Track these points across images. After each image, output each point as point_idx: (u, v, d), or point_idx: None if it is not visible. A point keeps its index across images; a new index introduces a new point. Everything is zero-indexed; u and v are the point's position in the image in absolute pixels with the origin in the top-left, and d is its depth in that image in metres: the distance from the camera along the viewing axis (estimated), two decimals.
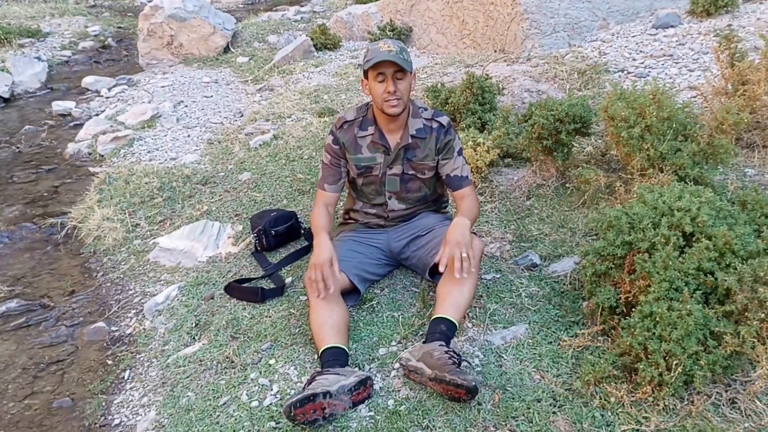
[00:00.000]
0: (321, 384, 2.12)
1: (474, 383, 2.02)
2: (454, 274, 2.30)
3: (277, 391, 2.29)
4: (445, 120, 2.70)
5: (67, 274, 3.57)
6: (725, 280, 2.01)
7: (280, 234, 3.27)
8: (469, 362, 2.27)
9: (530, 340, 2.36)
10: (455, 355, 2.17)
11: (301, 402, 2.04)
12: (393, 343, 2.45)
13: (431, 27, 6.61)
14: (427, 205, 2.88)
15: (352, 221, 2.95)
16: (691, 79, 4.25)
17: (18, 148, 5.57)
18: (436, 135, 2.68)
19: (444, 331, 2.27)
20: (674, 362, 1.91)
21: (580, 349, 2.26)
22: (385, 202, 2.80)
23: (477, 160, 3.42)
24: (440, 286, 2.45)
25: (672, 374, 1.91)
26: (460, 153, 2.72)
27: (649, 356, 1.96)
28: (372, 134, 2.68)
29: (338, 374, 2.17)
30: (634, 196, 2.63)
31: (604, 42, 5.19)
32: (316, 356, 2.39)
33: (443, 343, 2.22)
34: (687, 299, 1.97)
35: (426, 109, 2.72)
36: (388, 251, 2.82)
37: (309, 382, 2.19)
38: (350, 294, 2.66)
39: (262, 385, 2.33)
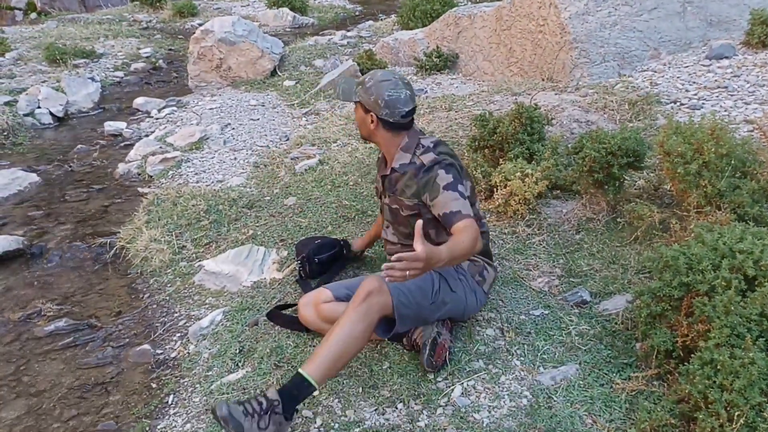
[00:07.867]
0: None
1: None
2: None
3: (321, 424, 2.27)
4: (427, 158, 2.47)
5: (114, 295, 3.62)
6: None
7: (323, 262, 3.26)
8: (516, 403, 2.21)
9: (581, 382, 2.29)
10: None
11: None
12: (439, 379, 2.40)
13: (478, 54, 6.60)
14: None
15: None
16: (747, 112, 4.14)
17: (71, 166, 5.70)
18: (415, 173, 2.49)
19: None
20: (736, 413, 1.82)
21: (633, 393, 2.19)
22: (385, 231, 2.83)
23: (525, 192, 3.37)
24: None
25: (734, 426, 1.82)
26: (448, 188, 2.38)
27: (709, 406, 1.88)
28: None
29: None
30: (691, 234, 2.55)
31: (656, 72, 5.10)
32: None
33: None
34: (750, 346, 1.89)
35: (424, 147, 2.53)
36: None
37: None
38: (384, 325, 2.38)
39: (306, 417, 2.31)
